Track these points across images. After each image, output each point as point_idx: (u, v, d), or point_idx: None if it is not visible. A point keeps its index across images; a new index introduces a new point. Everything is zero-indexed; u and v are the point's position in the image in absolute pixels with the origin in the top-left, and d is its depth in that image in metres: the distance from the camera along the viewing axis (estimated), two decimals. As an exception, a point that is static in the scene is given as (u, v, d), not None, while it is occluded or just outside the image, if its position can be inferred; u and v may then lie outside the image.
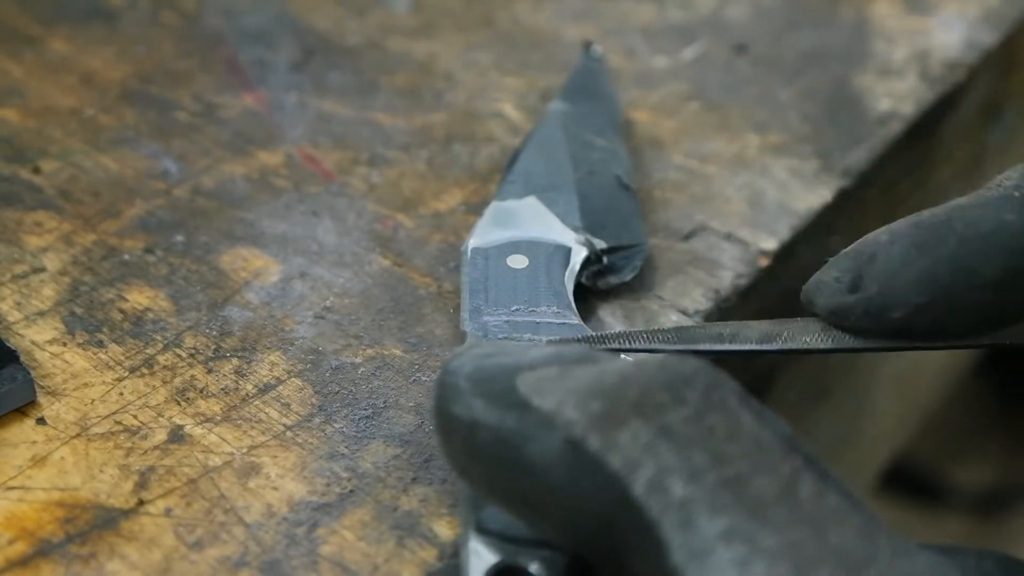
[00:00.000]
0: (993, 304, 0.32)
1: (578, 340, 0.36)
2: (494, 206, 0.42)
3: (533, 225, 0.41)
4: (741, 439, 0.27)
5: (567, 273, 0.39)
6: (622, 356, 0.35)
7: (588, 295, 0.41)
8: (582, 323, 0.38)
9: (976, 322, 0.33)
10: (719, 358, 0.35)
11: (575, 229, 0.41)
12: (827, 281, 0.34)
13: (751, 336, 0.35)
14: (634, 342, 0.36)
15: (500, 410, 0.28)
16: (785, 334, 0.35)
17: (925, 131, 0.51)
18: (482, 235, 0.41)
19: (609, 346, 0.36)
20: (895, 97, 0.50)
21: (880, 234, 0.34)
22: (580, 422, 0.27)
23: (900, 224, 0.34)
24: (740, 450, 0.27)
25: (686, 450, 0.26)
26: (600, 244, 0.41)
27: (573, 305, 0.38)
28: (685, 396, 0.27)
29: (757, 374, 0.47)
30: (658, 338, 0.36)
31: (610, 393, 0.28)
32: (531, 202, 0.42)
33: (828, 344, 0.34)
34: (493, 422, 0.28)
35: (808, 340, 0.35)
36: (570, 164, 0.44)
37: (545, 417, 0.28)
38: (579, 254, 0.40)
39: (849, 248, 0.34)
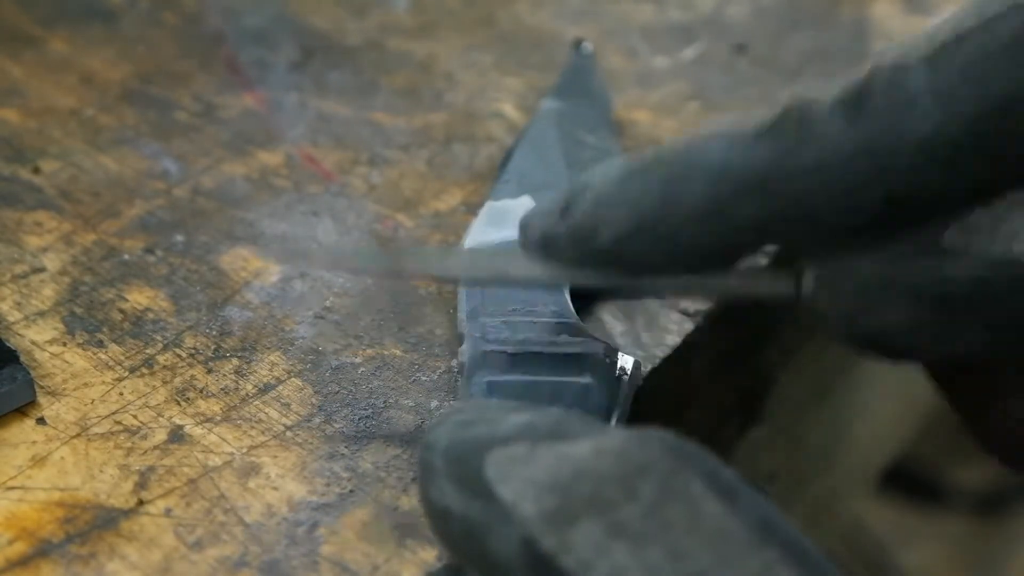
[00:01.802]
0: (700, 236, 0.31)
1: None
2: (489, 206, 0.42)
3: None
4: (703, 531, 0.25)
5: None
6: (620, 360, 0.35)
7: (587, 294, 0.41)
8: (580, 322, 0.38)
9: (684, 254, 0.31)
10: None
11: None
12: (539, 209, 0.34)
13: (457, 266, 0.35)
14: (341, 262, 0.35)
15: (467, 499, 0.28)
16: (494, 264, 0.34)
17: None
18: (478, 235, 0.41)
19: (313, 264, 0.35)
20: (895, 97, 0.50)
21: (599, 166, 0.33)
22: (534, 520, 0.26)
23: (616, 158, 0.33)
24: (702, 544, 0.25)
25: (641, 547, 0.25)
26: None
27: (570, 305, 0.38)
28: (639, 489, 0.26)
29: (757, 374, 0.47)
30: (366, 259, 0.36)
31: (564, 488, 0.27)
32: (526, 201, 0.42)
33: (538, 275, 0.34)
34: (461, 512, 0.28)
35: (515, 272, 0.34)
36: (563, 162, 0.44)
37: (505, 510, 0.27)
38: None
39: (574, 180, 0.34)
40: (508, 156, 0.45)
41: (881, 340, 0.32)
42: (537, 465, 0.27)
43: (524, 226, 0.34)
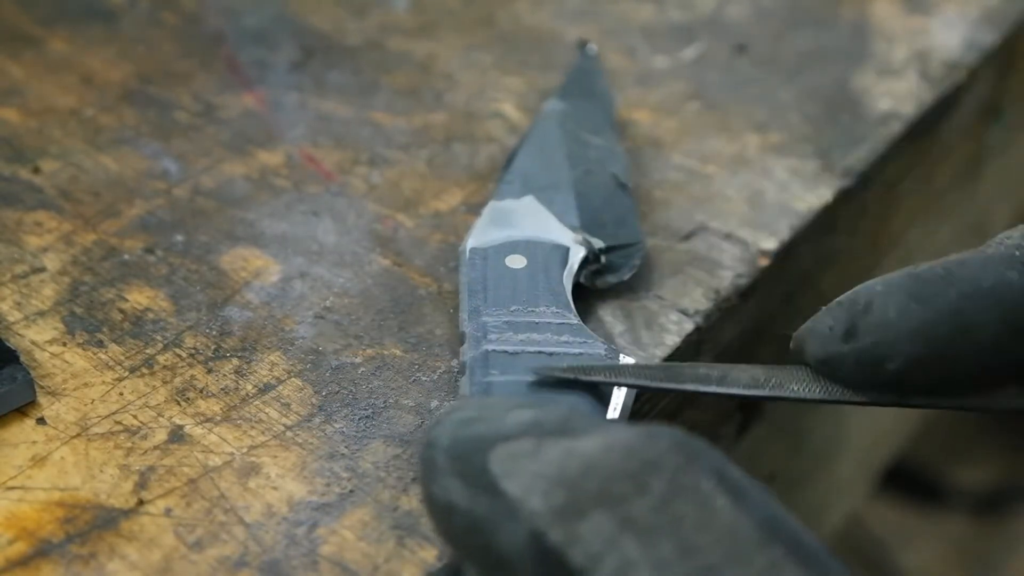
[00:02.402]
0: (989, 362, 0.32)
1: (563, 370, 0.35)
2: (492, 206, 0.42)
3: (531, 225, 0.41)
4: (713, 527, 0.26)
5: (565, 272, 0.39)
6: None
7: (587, 294, 0.41)
8: (580, 323, 0.38)
9: (971, 379, 0.32)
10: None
11: (573, 228, 0.41)
12: (820, 329, 0.33)
13: (739, 380, 0.34)
14: (621, 376, 0.35)
15: (473, 494, 0.28)
16: (774, 380, 0.34)
17: (925, 131, 0.51)
18: (480, 235, 0.41)
19: (593, 378, 0.35)
20: (895, 97, 0.50)
21: (876, 283, 0.33)
22: (543, 514, 0.26)
23: (896, 275, 0.33)
24: (711, 539, 0.25)
25: (651, 541, 0.25)
26: (598, 243, 0.41)
27: (572, 305, 0.38)
28: (649, 484, 0.26)
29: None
30: (646, 375, 0.35)
31: (573, 482, 0.27)
32: (529, 202, 0.42)
33: (817, 395, 0.34)
34: (466, 507, 0.28)
35: (797, 388, 0.34)
36: (567, 163, 0.44)
37: (512, 505, 0.27)
38: (577, 253, 0.40)
39: (843, 296, 0.34)
40: (511, 156, 0.45)
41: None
42: (544, 460, 0.27)
43: (801, 342, 0.34)
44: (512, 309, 0.38)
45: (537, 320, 0.37)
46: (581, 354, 0.36)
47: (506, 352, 0.36)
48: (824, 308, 0.34)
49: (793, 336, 0.34)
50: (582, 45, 0.51)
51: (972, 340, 0.31)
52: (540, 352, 0.36)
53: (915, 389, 0.33)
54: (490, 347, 0.36)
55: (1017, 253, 0.32)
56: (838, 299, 0.34)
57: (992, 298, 0.31)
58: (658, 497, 0.26)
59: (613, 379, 0.35)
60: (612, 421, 0.31)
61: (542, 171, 0.44)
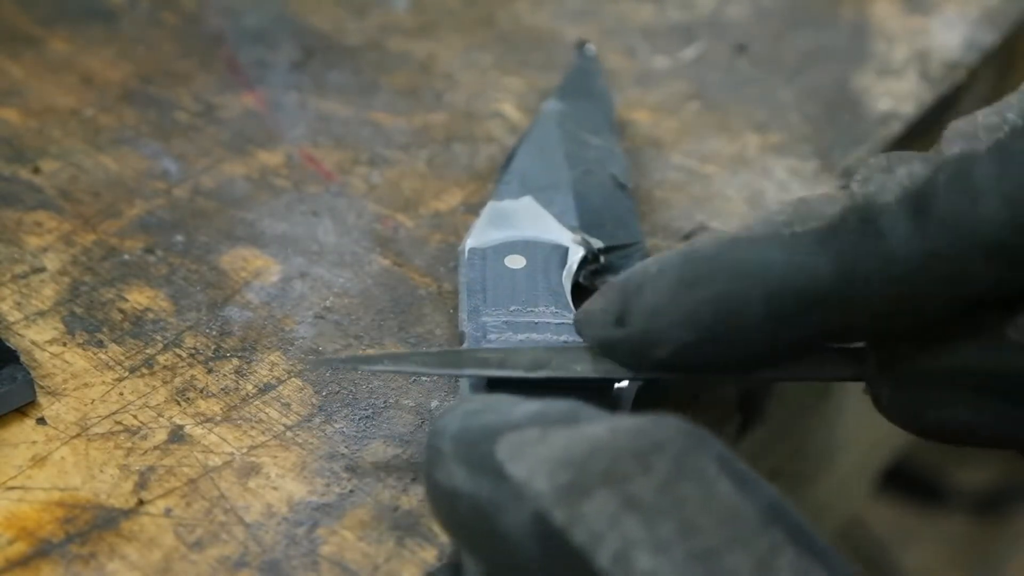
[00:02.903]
0: (759, 343, 0.31)
1: (342, 360, 0.36)
2: (491, 206, 0.42)
3: (530, 225, 0.41)
4: (715, 509, 0.26)
5: (564, 273, 0.39)
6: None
7: (587, 294, 0.41)
8: None
9: (744, 360, 0.32)
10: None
11: (572, 229, 0.41)
12: (594, 311, 0.34)
13: (520, 363, 0.34)
14: (401, 364, 0.35)
15: (477, 478, 0.28)
16: (555, 362, 0.34)
17: (925, 131, 0.51)
18: (479, 236, 0.41)
19: (374, 366, 0.36)
20: (895, 97, 0.50)
21: (650, 264, 0.33)
22: (546, 494, 0.26)
23: (671, 255, 0.33)
24: (713, 521, 0.25)
25: (653, 521, 0.25)
26: (597, 243, 0.41)
27: (571, 305, 0.38)
28: (654, 464, 0.26)
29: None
30: (424, 361, 0.35)
31: (578, 463, 0.27)
32: (528, 202, 0.42)
33: (599, 374, 0.34)
34: (471, 491, 0.28)
35: (579, 369, 0.34)
36: (566, 164, 0.44)
37: (517, 487, 0.27)
38: (576, 254, 0.40)
39: (620, 277, 0.34)
40: (510, 157, 0.45)
41: (945, 431, 0.33)
42: (550, 445, 0.27)
43: (579, 326, 0.34)
44: (511, 309, 0.38)
45: (536, 320, 0.37)
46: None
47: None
48: (602, 288, 0.34)
49: (573, 317, 0.35)
50: (580, 45, 0.51)
51: (739, 324, 0.31)
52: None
53: (689, 369, 0.33)
54: (489, 346, 0.36)
55: (785, 231, 0.31)
56: (616, 279, 0.34)
57: (757, 280, 0.31)
58: (662, 477, 0.26)
59: (393, 367, 0.35)
60: (615, 414, 0.31)
61: (541, 171, 0.44)
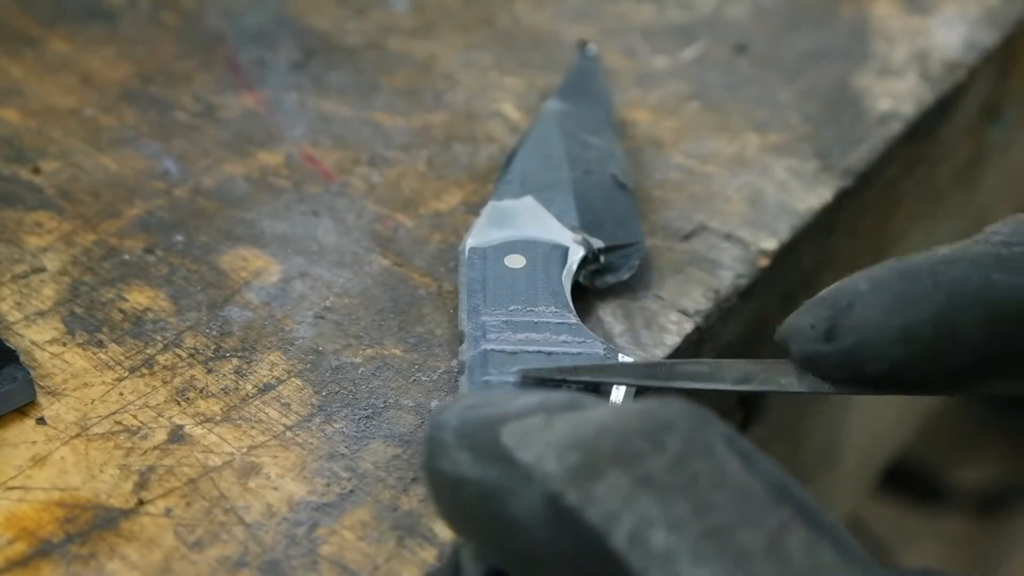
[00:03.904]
0: (974, 361, 0.31)
1: (549, 371, 0.35)
2: (491, 206, 0.42)
3: (530, 225, 0.41)
4: (726, 487, 0.26)
5: (564, 272, 0.39)
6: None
7: (587, 294, 0.41)
8: (580, 322, 0.38)
9: (956, 377, 0.32)
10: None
11: (572, 228, 0.41)
12: (802, 327, 0.33)
13: (728, 375, 0.34)
14: (609, 376, 0.35)
15: (484, 464, 0.28)
16: (761, 376, 0.34)
17: (925, 131, 0.51)
18: (479, 235, 0.41)
19: (581, 378, 0.35)
20: (895, 97, 0.50)
21: (859, 281, 0.33)
22: (558, 476, 0.26)
23: (880, 271, 0.33)
24: (725, 498, 0.25)
25: (667, 499, 0.25)
26: (597, 243, 0.41)
27: (571, 304, 0.38)
28: (665, 442, 0.26)
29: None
30: (634, 373, 0.35)
31: (588, 443, 0.27)
32: (528, 202, 0.42)
33: (804, 388, 0.34)
34: (477, 477, 0.28)
35: (784, 383, 0.34)
36: (566, 163, 0.44)
37: (526, 471, 0.27)
38: (576, 253, 0.40)
39: (826, 292, 0.34)
40: (511, 156, 0.45)
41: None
42: (556, 429, 0.27)
43: (785, 339, 0.34)
44: (511, 309, 0.38)
45: (536, 320, 0.37)
46: (580, 353, 0.36)
47: (505, 351, 0.36)
48: (807, 303, 0.34)
49: (777, 330, 0.35)
50: (581, 45, 0.51)
51: (956, 341, 0.31)
52: (539, 352, 0.36)
53: (900, 385, 0.33)
54: (489, 346, 0.36)
55: (1004, 251, 0.31)
56: (821, 294, 0.34)
57: (976, 299, 0.31)
58: (674, 455, 0.26)
59: (601, 378, 0.35)
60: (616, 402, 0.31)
61: (541, 171, 0.44)
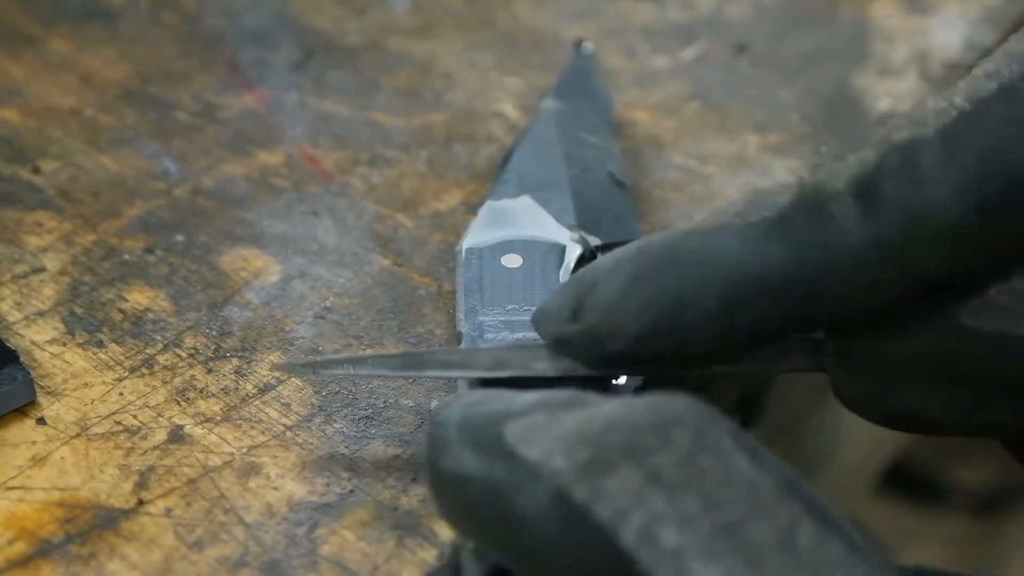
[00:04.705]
0: (716, 335, 0.31)
1: (301, 365, 0.36)
2: (488, 206, 0.42)
3: (527, 224, 0.41)
4: (735, 483, 0.25)
5: (562, 271, 0.39)
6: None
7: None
8: None
9: (701, 352, 0.32)
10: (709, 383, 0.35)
11: (570, 227, 0.41)
12: (550, 309, 0.34)
13: (481, 363, 0.34)
14: (360, 366, 0.35)
15: (488, 462, 0.27)
16: (516, 361, 0.34)
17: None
18: (476, 235, 0.41)
19: (333, 370, 0.36)
20: (895, 97, 0.50)
21: (606, 260, 0.33)
22: (566, 472, 0.26)
23: (626, 249, 0.33)
24: (735, 495, 0.25)
25: (677, 495, 0.25)
26: (595, 242, 0.41)
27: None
28: (674, 438, 0.26)
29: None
30: (385, 364, 0.35)
31: (596, 439, 0.26)
32: (525, 201, 0.42)
33: (558, 371, 0.34)
34: (481, 474, 0.27)
35: (539, 367, 0.34)
36: (564, 162, 0.44)
37: (532, 468, 0.27)
38: (574, 252, 0.40)
39: (576, 274, 0.34)
40: (508, 156, 0.45)
41: (907, 418, 0.32)
42: (562, 425, 0.27)
43: (536, 323, 0.34)
44: (508, 308, 0.38)
45: None
46: None
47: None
48: (559, 285, 0.34)
49: (531, 314, 0.35)
50: (578, 44, 0.51)
51: (694, 315, 0.31)
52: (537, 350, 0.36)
53: (645, 364, 0.33)
54: (486, 345, 0.36)
55: (738, 221, 0.31)
56: (572, 276, 0.34)
57: (711, 270, 0.31)
58: (683, 451, 0.26)
59: (352, 370, 0.35)
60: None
61: (538, 170, 0.44)
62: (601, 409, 0.27)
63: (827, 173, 0.30)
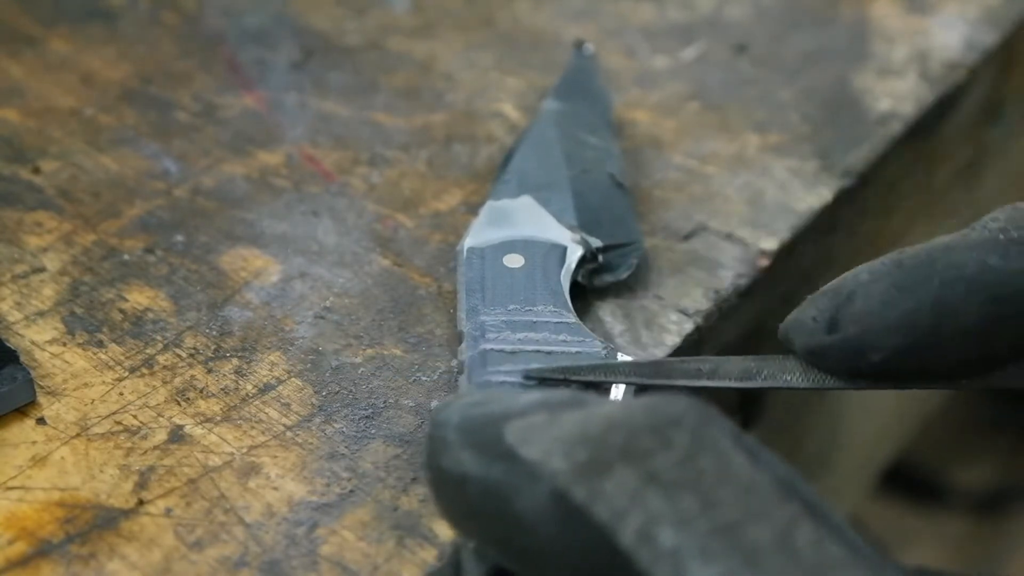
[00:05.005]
0: (975, 348, 0.31)
1: (553, 370, 0.35)
2: (489, 206, 0.42)
3: (528, 224, 0.41)
4: (733, 483, 0.26)
5: (563, 272, 0.39)
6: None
7: (587, 294, 0.41)
8: (578, 321, 0.38)
9: (958, 366, 0.32)
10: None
11: (570, 228, 0.41)
12: (804, 320, 0.33)
13: (731, 373, 0.34)
14: (611, 375, 0.35)
15: (488, 462, 0.28)
16: (765, 372, 0.34)
17: (925, 131, 0.51)
18: (478, 235, 0.41)
19: (584, 378, 0.35)
20: (895, 97, 0.50)
21: (860, 272, 0.33)
22: (565, 472, 0.26)
23: (880, 263, 0.33)
24: (733, 495, 0.25)
25: (675, 496, 0.25)
26: (595, 242, 0.41)
27: (569, 303, 0.38)
28: (673, 438, 0.26)
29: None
30: (637, 372, 0.35)
31: (595, 440, 0.27)
32: (526, 201, 0.42)
33: (808, 383, 0.34)
34: (481, 475, 0.28)
35: (788, 379, 0.34)
36: (564, 163, 0.44)
37: (531, 468, 0.27)
38: (575, 252, 0.40)
39: (828, 286, 0.34)
40: (508, 156, 0.45)
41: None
42: (562, 426, 0.27)
43: (788, 333, 0.34)
44: (510, 308, 0.38)
45: (535, 319, 0.37)
46: (579, 352, 0.36)
47: (504, 351, 0.36)
48: (809, 297, 0.34)
49: (779, 327, 0.34)
50: (578, 44, 0.51)
51: (956, 328, 0.31)
52: (538, 351, 0.36)
53: (902, 375, 0.32)
54: (488, 346, 0.36)
55: (1001, 236, 0.31)
56: (824, 288, 0.34)
57: (974, 284, 0.31)
58: (682, 452, 0.26)
59: (604, 378, 0.35)
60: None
61: (539, 170, 0.44)
62: (600, 410, 0.28)
63: None
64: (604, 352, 0.36)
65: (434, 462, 0.29)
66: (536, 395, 0.29)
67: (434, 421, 0.30)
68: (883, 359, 0.32)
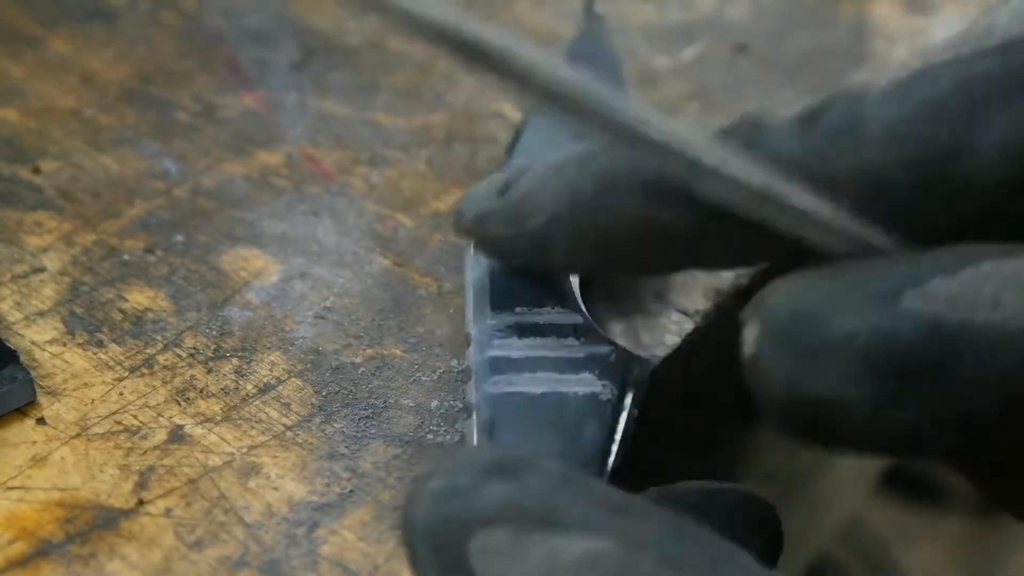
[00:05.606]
0: (631, 227, 0.32)
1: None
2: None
3: None
4: None
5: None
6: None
7: (587, 294, 0.41)
8: (590, 321, 0.37)
9: (615, 244, 0.32)
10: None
11: None
12: (480, 191, 0.35)
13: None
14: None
15: None
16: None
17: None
18: None
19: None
20: (895, 97, 0.50)
21: (535, 164, 0.34)
22: None
23: (556, 155, 0.34)
24: None
25: None
26: None
27: (580, 303, 0.38)
28: None
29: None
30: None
31: None
32: None
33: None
34: None
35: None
36: (573, 137, 0.43)
37: None
38: None
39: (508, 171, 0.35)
40: (517, 134, 0.44)
41: (820, 411, 0.30)
42: (526, 562, 0.26)
43: (463, 207, 0.36)
44: (517, 310, 0.37)
45: (543, 321, 0.37)
46: (585, 357, 0.36)
47: (510, 358, 0.36)
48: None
49: (456, 204, 0.36)
50: (588, 6, 0.50)
51: (615, 197, 0.31)
52: (545, 356, 0.36)
53: (563, 248, 0.33)
54: (494, 352, 0.36)
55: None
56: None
57: (636, 165, 0.31)
58: None
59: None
60: (600, 508, 0.29)
61: (548, 144, 0.43)
62: (567, 555, 0.26)
63: (783, 108, 0.31)
64: (612, 353, 0.36)
65: (410, 569, 0.28)
66: (504, 488, 0.27)
67: (404, 520, 0.28)
68: (541, 224, 0.33)
